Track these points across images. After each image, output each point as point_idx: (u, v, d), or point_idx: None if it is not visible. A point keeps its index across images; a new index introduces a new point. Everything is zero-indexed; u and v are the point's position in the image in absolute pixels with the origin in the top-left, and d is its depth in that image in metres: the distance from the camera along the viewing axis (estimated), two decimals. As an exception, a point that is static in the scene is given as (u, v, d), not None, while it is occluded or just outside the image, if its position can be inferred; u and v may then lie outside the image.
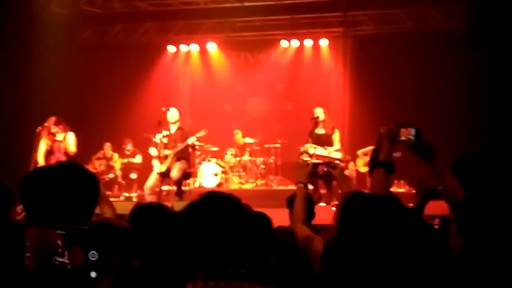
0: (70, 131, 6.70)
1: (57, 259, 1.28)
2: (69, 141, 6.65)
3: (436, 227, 3.20)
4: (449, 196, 1.82)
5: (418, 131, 1.81)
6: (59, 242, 1.27)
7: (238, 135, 9.70)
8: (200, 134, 6.88)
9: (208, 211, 1.59)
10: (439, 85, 8.79)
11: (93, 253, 1.29)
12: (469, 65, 8.17)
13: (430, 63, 8.81)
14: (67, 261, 1.27)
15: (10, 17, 7.98)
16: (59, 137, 6.62)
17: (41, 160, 6.53)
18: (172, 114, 6.87)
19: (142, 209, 2.36)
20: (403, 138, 1.80)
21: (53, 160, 6.61)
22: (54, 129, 6.57)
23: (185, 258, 1.74)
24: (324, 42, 10.40)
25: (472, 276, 1.36)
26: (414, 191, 1.97)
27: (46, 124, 6.62)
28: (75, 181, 1.52)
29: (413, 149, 1.82)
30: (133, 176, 9.11)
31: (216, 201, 1.62)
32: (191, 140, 6.73)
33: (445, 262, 1.45)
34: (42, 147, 6.57)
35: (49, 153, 6.61)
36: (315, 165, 7.06)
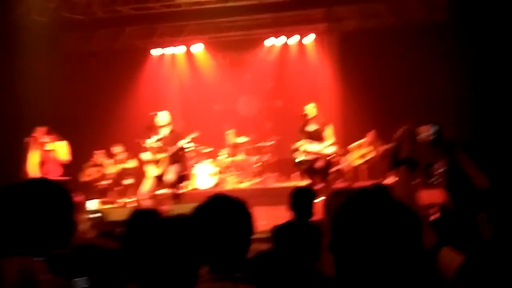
0: (61, 140, 6.62)
1: None
2: (62, 150, 6.58)
3: (435, 216, 3.22)
4: (476, 187, 1.84)
5: (437, 128, 1.82)
6: (42, 275, 1.11)
7: (231, 135, 9.66)
8: (192, 136, 6.85)
9: (217, 213, 1.60)
10: (426, 75, 8.90)
11: (80, 280, 1.14)
12: (453, 55, 8.29)
13: (415, 54, 8.92)
14: None
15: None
16: (49, 147, 6.53)
17: (35, 171, 6.41)
18: (162, 118, 6.82)
19: (139, 215, 2.31)
20: (422, 135, 1.81)
21: (45, 171, 6.52)
22: (43, 139, 6.47)
23: (183, 265, 1.71)
24: (310, 38, 10.43)
25: (504, 261, 1.37)
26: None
27: (34, 135, 6.52)
28: (45, 199, 1.38)
29: (435, 146, 1.84)
30: (128, 181, 8.99)
31: (224, 203, 1.64)
32: (182, 142, 6.69)
33: (477, 250, 1.45)
34: (34, 158, 6.47)
35: (42, 163, 6.50)
36: (311, 161, 7.09)
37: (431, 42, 8.69)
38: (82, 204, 6.53)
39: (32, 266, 1.13)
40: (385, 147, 8.59)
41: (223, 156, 9.36)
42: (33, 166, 6.44)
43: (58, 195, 1.42)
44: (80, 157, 8.66)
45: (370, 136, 8.92)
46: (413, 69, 9.08)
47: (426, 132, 1.83)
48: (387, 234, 1.10)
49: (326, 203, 3.08)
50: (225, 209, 1.61)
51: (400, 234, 1.10)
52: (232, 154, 9.41)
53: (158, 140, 6.75)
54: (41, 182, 1.46)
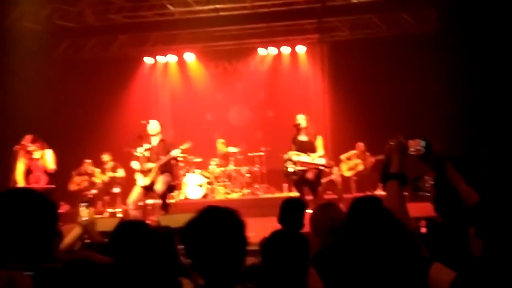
0: (47, 148, 6.55)
1: None
2: (47, 158, 6.50)
3: (423, 229, 3.22)
4: (465, 202, 1.85)
5: (427, 142, 1.84)
6: None
7: (221, 144, 9.65)
8: (185, 146, 6.81)
9: (210, 226, 1.59)
10: (416, 86, 8.97)
11: None
12: (443, 66, 8.36)
13: (406, 65, 8.99)
14: None
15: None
16: (36, 155, 6.47)
17: (20, 180, 6.36)
18: (153, 127, 6.78)
19: (124, 227, 2.30)
20: (412, 149, 1.83)
21: (32, 179, 6.46)
22: (31, 147, 6.42)
23: (169, 275, 1.70)
24: (301, 49, 10.49)
25: (496, 277, 1.38)
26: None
27: (23, 143, 6.47)
28: (29, 209, 1.37)
29: (424, 161, 1.85)
30: (116, 190, 8.94)
31: (217, 215, 1.63)
32: (175, 152, 6.65)
33: (468, 266, 1.45)
34: (20, 166, 6.41)
35: (27, 172, 6.45)
36: (302, 172, 7.07)
37: (422, 53, 8.75)
38: (69, 214, 6.46)
39: (18, 280, 1.11)
40: (374, 159, 8.63)
41: (213, 166, 9.34)
42: (21, 174, 6.39)
43: (42, 205, 1.40)
44: (70, 165, 8.62)
45: (358, 148, 8.97)
46: (404, 80, 9.15)
47: (416, 145, 1.85)
48: (388, 250, 1.12)
49: (313, 216, 3.09)
50: (219, 221, 1.60)
51: (400, 251, 1.13)
52: (221, 164, 9.40)
53: (149, 149, 6.71)
54: (25, 192, 1.44)
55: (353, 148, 9.07)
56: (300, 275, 2.57)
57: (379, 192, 7.67)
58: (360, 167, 8.93)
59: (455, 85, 8.19)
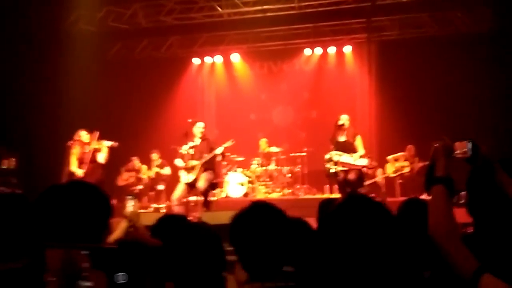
0: (100, 141, 6.92)
1: (81, 284, 1.17)
2: (101, 150, 6.87)
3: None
4: None
5: (474, 144, 1.75)
6: (85, 264, 1.18)
7: (263, 143, 9.69)
8: (227, 144, 6.94)
9: (257, 220, 1.66)
10: (466, 88, 8.58)
11: (121, 275, 1.18)
12: (497, 68, 7.96)
13: (457, 66, 8.62)
14: (92, 286, 1.16)
15: (41, 35, 8.27)
16: (91, 146, 6.84)
17: (77, 171, 6.76)
18: (198, 126, 6.98)
19: (166, 221, 2.39)
20: (458, 152, 1.75)
21: (84, 168, 6.83)
22: (84, 138, 6.80)
23: (212, 269, 1.74)
24: (348, 49, 10.33)
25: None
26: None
27: (76, 138, 6.85)
28: (87, 201, 1.49)
29: (471, 164, 1.76)
30: (161, 187, 9.22)
31: (263, 210, 1.69)
32: (219, 150, 6.80)
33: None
34: (74, 159, 6.80)
35: (80, 161, 6.83)
36: (345, 172, 6.95)
37: (474, 53, 8.37)
38: (116, 208, 6.76)
39: (75, 257, 1.19)
40: (422, 164, 8.22)
41: (255, 165, 9.40)
42: (75, 166, 6.78)
43: (98, 197, 1.51)
44: (120, 161, 8.98)
45: (408, 151, 8.68)
46: (454, 81, 8.78)
47: (462, 148, 1.76)
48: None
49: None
50: (266, 217, 1.65)
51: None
52: (263, 164, 9.44)
53: (193, 147, 6.89)
54: (86, 185, 1.57)
55: (399, 149, 8.81)
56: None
57: (425, 197, 7.41)
58: (406, 170, 8.64)
59: (508, 88, 7.77)
